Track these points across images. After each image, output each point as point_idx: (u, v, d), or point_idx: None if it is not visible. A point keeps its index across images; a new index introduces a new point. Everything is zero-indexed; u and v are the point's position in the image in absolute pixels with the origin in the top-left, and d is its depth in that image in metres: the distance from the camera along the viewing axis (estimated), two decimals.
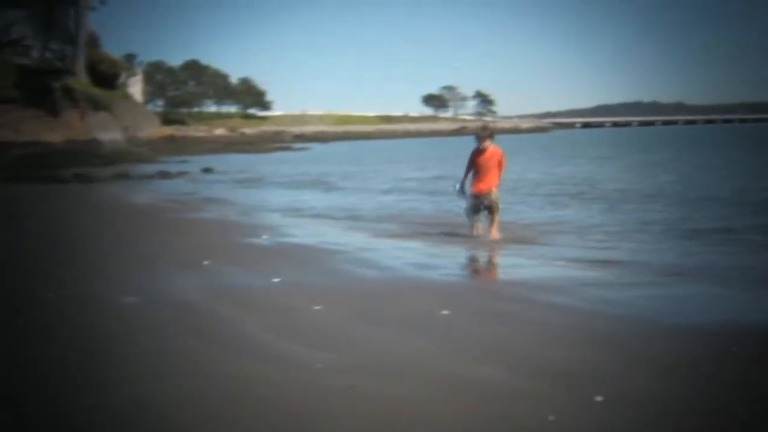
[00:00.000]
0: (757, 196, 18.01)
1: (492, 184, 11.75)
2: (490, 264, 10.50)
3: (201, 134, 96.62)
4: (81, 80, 60.29)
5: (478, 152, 11.89)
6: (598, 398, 4.49)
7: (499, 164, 11.84)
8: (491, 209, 11.80)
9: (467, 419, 4.29)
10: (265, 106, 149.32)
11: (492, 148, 11.85)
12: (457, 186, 12.14)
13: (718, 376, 4.92)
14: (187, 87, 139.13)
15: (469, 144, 12.09)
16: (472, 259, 10.67)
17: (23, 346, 5.97)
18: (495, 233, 11.80)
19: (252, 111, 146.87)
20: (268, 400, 4.60)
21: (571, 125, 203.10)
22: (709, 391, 4.64)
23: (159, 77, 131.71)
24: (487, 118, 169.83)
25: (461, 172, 12.03)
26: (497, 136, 12.29)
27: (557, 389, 4.67)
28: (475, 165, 11.86)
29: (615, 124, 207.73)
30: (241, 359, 5.43)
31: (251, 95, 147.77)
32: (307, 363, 5.29)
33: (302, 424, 4.27)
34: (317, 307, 7.09)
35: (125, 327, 6.47)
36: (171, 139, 74.06)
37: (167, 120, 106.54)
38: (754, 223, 13.19)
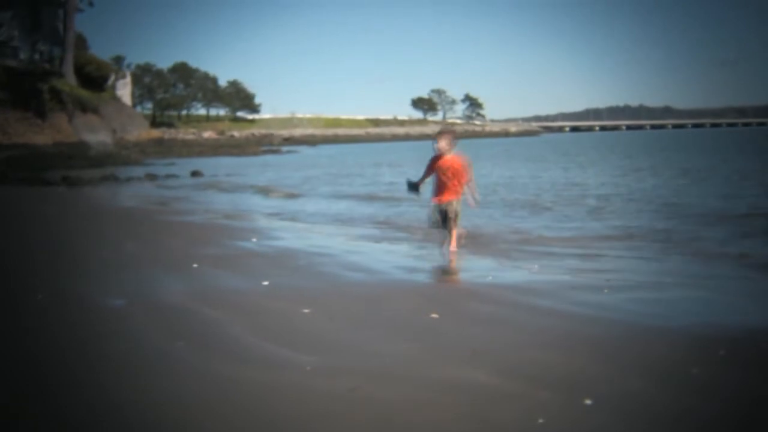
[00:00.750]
0: (743, 203, 18.03)
1: (453, 195, 10.73)
2: (478, 268, 10.47)
3: (189, 137, 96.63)
4: (69, 82, 60.13)
5: (436, 158, 10.83)
6: (588, 401, 4.50)
7: (460, 173, 10.72)
8: (451, 220, 10.81)
9: (456, 422, 4.29)
10: (253, 109, 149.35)
11: (452, 155, 10.78)
12: (409, 183, 11.36)
13: (706, 379, 4.93)
14: (175, 89, 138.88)
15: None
16: (459, 263, 10.64)
17: (12, 347, 5.94)
18: (453, 245, 10.87)
19: (241, 114, 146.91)
20: (257, 402, 4.59)
21: (560, 129, 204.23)
22: (697, 394, 4.65)
23: (147, 80, 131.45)
24: (476, 122, 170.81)
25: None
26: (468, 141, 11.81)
27: (546, 392, 4.68)
28: (434, 172, 10.88)
29: (603, 128, 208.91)
30: (230, 361, 5.42)
31: (240, 98, 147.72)
32: (297, 365, 5.28)
33: (292, 426, 4.27)
34: (306, 310, 7.08)
35: (113, 329, 6.45)
36: (159, 141, 73.98)
37: (156, 122, 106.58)
38: (739, 231, 13.22)
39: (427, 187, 11.23)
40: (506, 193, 22.65)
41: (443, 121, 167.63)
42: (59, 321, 6.75)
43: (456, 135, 11.28)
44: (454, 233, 10.94)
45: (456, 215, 10.80)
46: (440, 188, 10.77)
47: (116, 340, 6.06)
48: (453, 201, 10.72)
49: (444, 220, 10.79)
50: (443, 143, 10.75)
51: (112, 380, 5.04)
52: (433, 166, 10.84)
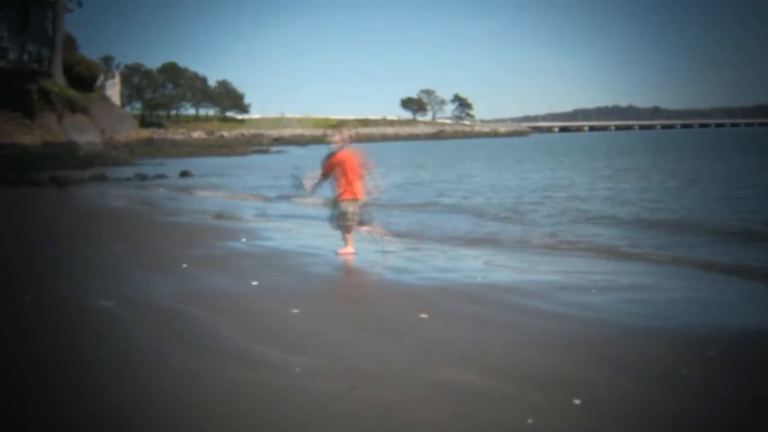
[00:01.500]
0: (728, 208, 18.06)
1: (350, 193, 10.64)
2: (467, 269, 10.47)
3: (179, 137, 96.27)
4: (58, 83, 59.81)
5: (330, 155, 10.85)
6: (577, 401, 4.51)
7: (355, 167, 10.67)
8: (343, 219, 10.71)
9: (446, 422, 4.29)
10: (243, 108, 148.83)
11: (344, 151, 10.77)
12: (294, 176, 11.33)
13: (695, 379, 4.95)
14: (164, 90, 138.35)
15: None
16: (448, 264, 10.62)
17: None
18: (348, 248, 10.79)
19: (230, 114, 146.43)
20: (245, 403, 4.58)
21: (549, 129, 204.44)
22: (686, 394, 4.67)
23: (136, 80, 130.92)
24: (466, 122, 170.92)
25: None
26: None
27: (536, 393, 4.68)
28: (332, 171, 10.78)
29: (592, 128, 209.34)
30: (219, 362, 5.40)
31: (229, 98, 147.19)
32: (286, 367, 5.27)
33: (282, 427, 4.27)
34: (295, 311, 7.07)
35: (101, 330, 6.42)
36: (149, 141, 73.80)
37: (145, 123, 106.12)
38: (725, 231, 13.28)
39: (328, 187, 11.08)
40: (493, 195, 22.71)
41: (433, 121, 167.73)
42: (47, 323, 6.73)
43: (350, 134, 11.54)
44: (349, 236, 10.77)
45: (348, 215, 10.62)
46: (339, 184, 10.72)
47: (104, 342, 6.04)
48: (347, 200, 10.63)
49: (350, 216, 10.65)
50: (337, 138, 10.95)
51: (94, 383, 5.01)
52: (329, 163, 10.80)
